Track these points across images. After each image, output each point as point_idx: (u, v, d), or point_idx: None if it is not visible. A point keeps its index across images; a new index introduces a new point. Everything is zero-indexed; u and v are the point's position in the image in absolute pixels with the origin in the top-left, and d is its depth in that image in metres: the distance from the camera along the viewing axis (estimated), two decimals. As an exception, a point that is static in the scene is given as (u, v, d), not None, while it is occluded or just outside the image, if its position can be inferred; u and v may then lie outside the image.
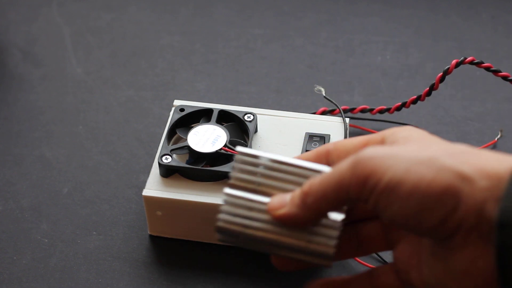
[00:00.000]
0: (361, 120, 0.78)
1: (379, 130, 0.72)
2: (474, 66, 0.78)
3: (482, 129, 0.78)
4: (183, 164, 0.68)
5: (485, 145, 0.76)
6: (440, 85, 0.81)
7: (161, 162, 0.68)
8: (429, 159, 0.49)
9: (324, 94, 0.75)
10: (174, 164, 0.68)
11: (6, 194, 0.75)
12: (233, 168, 0.56)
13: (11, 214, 0.73)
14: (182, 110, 0.72)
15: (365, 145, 0.55)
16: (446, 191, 0.48)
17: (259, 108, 0.74)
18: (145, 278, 0.68)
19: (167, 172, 0.69)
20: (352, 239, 0.57)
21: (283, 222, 0.55)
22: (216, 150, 0.69)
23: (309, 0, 0.90)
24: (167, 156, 0.68)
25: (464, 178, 0.48)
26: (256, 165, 0.56)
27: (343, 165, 0.52)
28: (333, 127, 0.72)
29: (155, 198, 0.68)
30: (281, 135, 0.72)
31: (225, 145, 0.69)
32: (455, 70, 0.82)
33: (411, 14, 0.88)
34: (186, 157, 0.70)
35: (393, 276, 0.56)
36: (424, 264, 0.53)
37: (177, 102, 0.74)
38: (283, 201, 0.55)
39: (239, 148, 0.56)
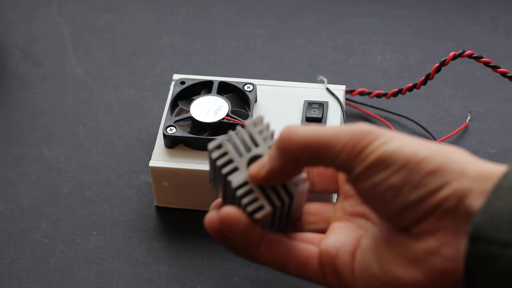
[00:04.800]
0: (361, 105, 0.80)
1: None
2: (474, 67, 0.78)
3: (482, 129, 0.78)
4: (188, 134, 0.70)
5: (458, 129, 0.77)
6: (441, 85, 0.81)
7: (166, 133, 0.70)
8: (427, 143, 0.51)
9: (326, 85, 0.75)
10: (178, 134, 0.70)
11: (6, 194, 0.75)
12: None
13: (11, 214, 0.73)
14: (182, 83, 0.74)
15: None
16: (435, 171, 0.49)
17: (257, 79, 0.76)
18: (145, 278, 0.68)
19: (172, 142, 0.71)
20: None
21: (269, 181, 0.55)
22: (219, 120, 0.71)
23: (309, 0, 0.90)
24: (172, 127, 0.70)
25: (456, 164, 0.50)
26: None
27: (340, 127, 0.52)
28: (331, 95, 0.74)
29: (161, 169, 0.70)
30: (280, 104, 0.74)
31: (228, 115, 0.71)
32: (455, 70, 0.82)
33: (411, 14, 0.88)
34: (188, 128, 0.72)
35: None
36: (366, 251, 0.54)
37: (176, 76, 0.76)
38: (262, 162, 0.56)
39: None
